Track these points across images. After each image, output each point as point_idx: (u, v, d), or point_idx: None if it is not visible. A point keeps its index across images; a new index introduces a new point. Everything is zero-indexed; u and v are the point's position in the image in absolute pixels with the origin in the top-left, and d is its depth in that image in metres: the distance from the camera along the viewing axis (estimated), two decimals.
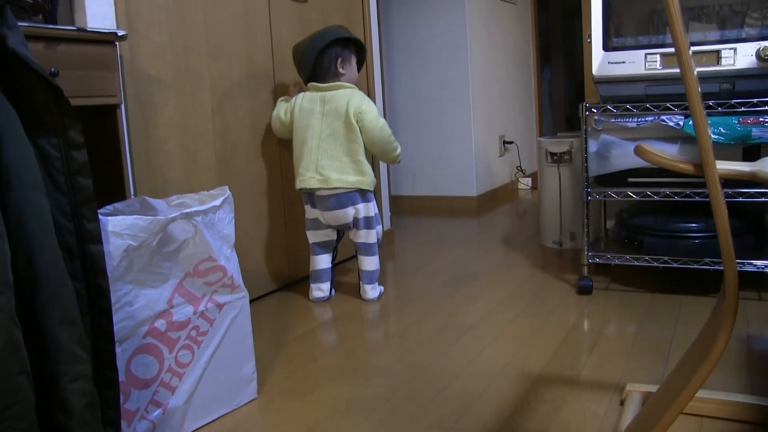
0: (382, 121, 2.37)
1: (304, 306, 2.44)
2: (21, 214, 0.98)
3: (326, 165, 2.35)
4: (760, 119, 2.08)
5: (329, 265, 2.52)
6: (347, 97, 2.36)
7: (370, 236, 2.43)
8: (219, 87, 2.32)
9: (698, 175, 1.04)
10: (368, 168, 2.38)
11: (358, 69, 2.53)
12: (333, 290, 2.55)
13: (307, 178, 2.37)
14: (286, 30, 2.63)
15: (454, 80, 4.25)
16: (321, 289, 2.49)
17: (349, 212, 2.40)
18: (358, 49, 2.50)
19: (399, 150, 2.46)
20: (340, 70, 2.41)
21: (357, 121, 2.33)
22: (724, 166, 1.02)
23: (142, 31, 2.04)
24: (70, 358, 1.02)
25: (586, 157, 2.34)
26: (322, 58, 2.40)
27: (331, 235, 2.49)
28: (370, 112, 2.35)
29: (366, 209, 2.41)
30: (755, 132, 2.08)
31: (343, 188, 2.35)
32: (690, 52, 1.01)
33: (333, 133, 2.36)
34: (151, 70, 2.08)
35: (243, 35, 2.42)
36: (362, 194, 2.39)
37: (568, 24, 6.10)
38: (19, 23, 1.08)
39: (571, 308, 2.24)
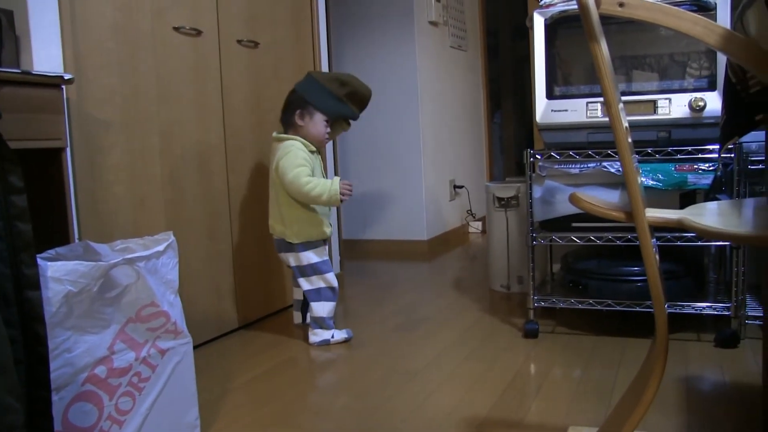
0: (291, 175, 2.33)
1: (252, 351, 2.41)
2: None
3: (270, 210, 2.49)
4: (695, 166, 2.17)
5: (301, 297, 2.61)
6: (281, 148, 2.40)
7: (307, 284, 2.45)
8: (168, 131, 2.32)
9: (630, 222, 1.07)
10: (292, 221, 2.40)
11: (345, 126, 2.57)
12: (306, 319, 2.65)
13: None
14: (236, 74, 2.65)
15: (404, 125, 4.31)
16: (296, 316, 2.69)
17: (284, 257, 2.48)
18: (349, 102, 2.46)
19: (322, 194, 2.32)
20: (298, 122, 2.42)
21: (277, 174, 2.40)
22: (653, 213, 1.06)
23: (90, 75, 2.04)
24: (1, 409, 1.00)
25: (531, 203, 2.39)
26: (287, 105, 2.46)
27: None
28: (284, 165, 2.36)
29: (296, 258, 2.44)
30: (691, 179, 2.16)
31: (275, 235, 2.47)
32: (620, 105, 1.05)
33: (272, 182, 2.45)
34: (99, 113, 2.07)
35: (193, 80, 2.43)
36: (288, 244, 2.43)
37: (518, 71, 6.27)
38: None
39: (518, 352, 2.26)
